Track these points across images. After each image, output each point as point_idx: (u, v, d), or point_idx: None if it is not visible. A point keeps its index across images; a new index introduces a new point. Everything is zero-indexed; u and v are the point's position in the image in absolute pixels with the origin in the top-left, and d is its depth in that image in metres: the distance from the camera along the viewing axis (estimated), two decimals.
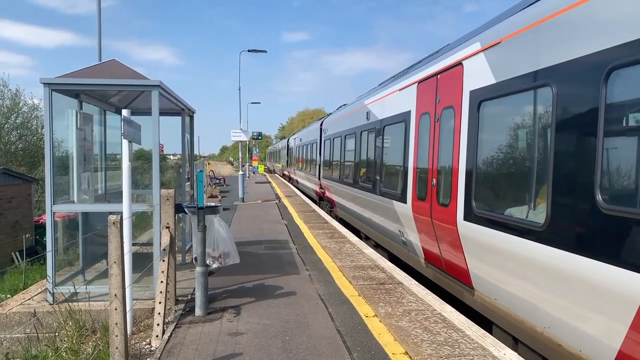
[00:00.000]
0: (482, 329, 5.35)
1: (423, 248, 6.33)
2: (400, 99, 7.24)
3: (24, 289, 8.71)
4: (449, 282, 5.61)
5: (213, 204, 6.16)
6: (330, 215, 14.72)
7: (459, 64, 5.00)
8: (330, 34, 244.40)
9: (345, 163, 11.53)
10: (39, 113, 27.04)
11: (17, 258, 14.22)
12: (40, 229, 15.81)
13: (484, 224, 4.53)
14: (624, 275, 2.69)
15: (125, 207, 5.50)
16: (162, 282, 5.63)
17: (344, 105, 12.36)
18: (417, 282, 7.27)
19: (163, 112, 7.32)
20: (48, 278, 6.44)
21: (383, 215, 8.15)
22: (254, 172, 54.75)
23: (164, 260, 5.84)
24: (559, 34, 3.41)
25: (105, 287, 4.61)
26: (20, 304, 6.50)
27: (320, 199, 17.19)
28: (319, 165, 16.14)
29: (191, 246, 8.13)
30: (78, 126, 7.29)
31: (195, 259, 5.98)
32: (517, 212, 4.07)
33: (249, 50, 24.11)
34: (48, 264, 6.44)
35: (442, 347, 4.80)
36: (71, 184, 7.41)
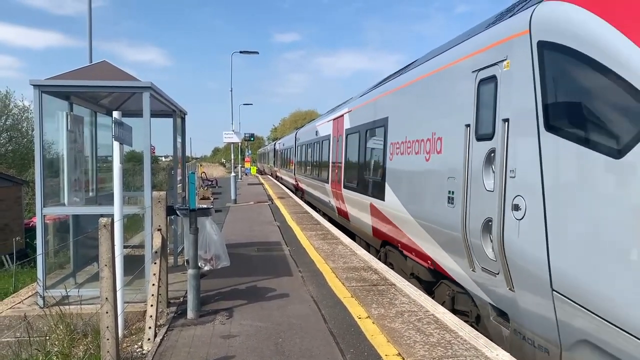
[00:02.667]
0: (474, 330, 5.37)
1: (335, 206, 12.94)
2: (326, 127, 14.22)
3: (14, 292, 8.63)
4: (344, 219, 11.94)
5: (205, 206, 6.14)
6: (302, 200, 20.32)
7: (342, 115, 11.52)
8: (321, 35, 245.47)
9: (307, 163, 18.45)
10: (29, 115, 26.72)
11: (7, 261, 14.06)
12: (30, 231, 15.63)
13: (349, 189, 10.47)
14: (365, 198, 8.86)
15: (117, 209, 5.46)
16: (153, 284, 5.61)
17: (313, 119, 19.14)
18: (409, 284, 7.28)
19: (154, 114, 7.29)
20: (38, 281, 6.38)
21: (322, 193, 14.80)
22: (246, 174, 54.63)
23: (155, 263, 5.80)
24: (356, 116, 9.73)
25: (97, 290, 4.58)
26: (11, 308, 6.44)
27: (296, 190, 23.53)
28: (295, 165, 22.50)
29: (183, 249, 7.90)
30: (68, 128, 7.23)
31: (187, 261, 5.95)
32: (355, 182, 9.92)
33: (240, 52, 24.04)
34: (38, 267, 6.38)
35: (435, 348, 4.81)
36: (62, 186, 7.36)
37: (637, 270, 2.80)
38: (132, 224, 10.22)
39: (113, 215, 5.32)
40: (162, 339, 5.22)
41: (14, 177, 16.65)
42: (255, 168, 56.86)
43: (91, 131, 8.35)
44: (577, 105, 3.48)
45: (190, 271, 5.87)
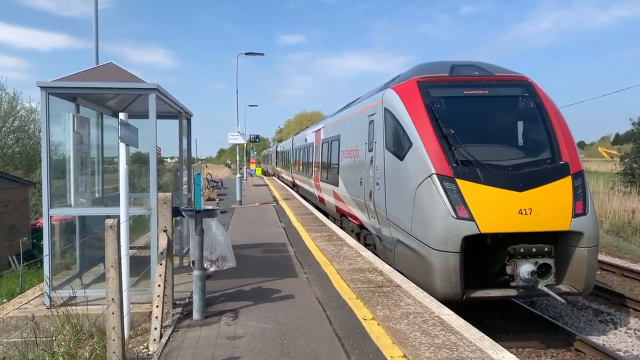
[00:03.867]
0: (480, 332, 5.38)
1: (317, 195, 17.20)
2: (311, 136, 19.65)
3: (21, 293, 8.63)
4: (321, 204, 16.37)
5: (210, 207, 6.16)
6: (298, 193, 24.80)
7: (320, 129, 16.74)
8: (327, 36, 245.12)
9: (300, 163, 23.73)
10: (36, 117, 27.03)
11: (14, 262, 14.17)
12: (37, 232, 15.75)
13: (323, 181, 14.99)
14: (330, 187, 14.07)
15: (123, 210, 5.46)
16: (159, 285, 5.60)
17: (317, 121, 24.33)
18: (415, 285, 7.22)
19: (160, 115, 7.30)
20: (45, 282, 6.37)
21: (309, 186, 19.79)
22: (251, 175, 54.62)
23: (161, 264, 5.79)
24: (326, 130, 15.46)
25: (103, 290, 4.60)
26: (17, 308, 6.44)
27: (293, 185, 28.25)
28: (291, 164, 28.67)
29: (188, 250, 7.72)
30: (75, 129, 7.25)
31: (193, 262, 5.94)
32: (326, 176, 14.72)
33: (246, 53, 24.04)
34: (45, 268, 6.36)
35: (441, 350, 4.81)
36: (68, 187, 7.34)
37: (407, 208, 7.72)
38: (138, 225, 10.25)
39: (119, 216, 5.32)
40: (167, 340, 5.21)
41: (21, 179, 16.78)
42: (260, 169, 56.91)
43: (97, 133, 8.33)
44: (393, 137, 8.48)
45: (195, 272, 5.87)
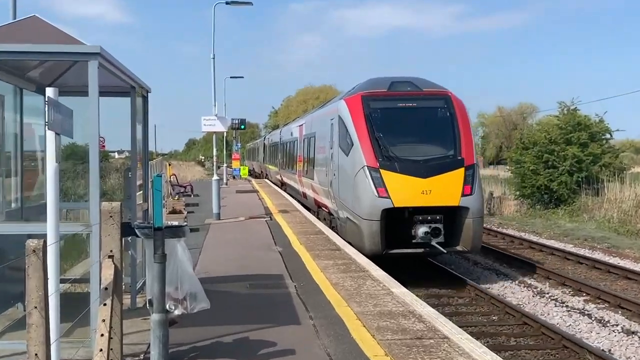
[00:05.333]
0: None
1: (301, 191, 25.44)
2: (296, 130, 28.59)
3: None
4: (304, 200, 24.67)
5: (176, 223, 6.19)
6: (282, 189, 33.89)
7: (302, 124, 26.28)
8: None
9: (287, 158, 31.75)
10: None
11: None
12: None
13: (305, 176, 23.72)
14: (310, 180, 22.89)
15: (51, 227, 5.46)
16: (102, 335, 5.61)
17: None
18: (469, 337, 7.36)
19: (104, 92, 7.30)
20: None
21: (294, 182, 27.89)
22: (234, 177, 54.63)
23: (105, 304, 5.82)
24: (306, 126, 25.10)
25: (22, 342, 4.62)
26: None
27: (282, 185, 35.50)
28: (279, 160, 37.04)
29: (144, 284, 7.91)
30: None
31: (150, 302, 6.01)
32: (307, 171, 23.29)
33: (227, 3, 23.98)
34: None
35: None
36: None
37: (350, 191, 15.22)
38: (73, 248, 10.28)
39: (45, 235, 5.31)
40: None
41: None
42: (246, 169, 56.89)
43: (15, 117, 8.27)
44: (343, 138, 16.10)
45: (154, 316, 5.92)
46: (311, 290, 9.52)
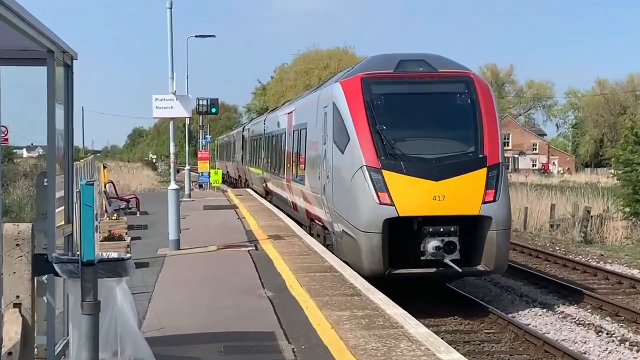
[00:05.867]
0: None
1: (290, 201, 30.20)
2: (283, 119, 33.30)
3: None
4: (295, 213, 28.70)
5: (115, 255, 6.24)
6: (269, 200, 37.67)
7: (291, 112, 30.69)
8: None
9: (273, 157, 35.89)
10: None
11: None
12: None
13: (295, 180, 27.86)
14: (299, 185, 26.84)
15: None
16: None
17: (288, 101, 37.28)
18: None
19: (6, 58, 7.32)
20: None
21: (282, 190, 32.43)
22: (200, 186, 54.26)
23: None
24: (293, 118, 30.15)
25: None
26: None
27: (266, 194, 40.19)
28: (263, 160, 40.90)
29: (67, 346, 7.87)
30: None
31: None
32: (297, 174, 27.51)
33: None
34: None
35: None
36: None
37: (346, 197, 18.46)
38: None
39: None
40: None
41: None
42: (219, 173, 55.44)
43: None
44: (338, 131, 19.31)
45: None
46: (317, 356, 9.60)
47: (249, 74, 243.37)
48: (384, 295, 13.51)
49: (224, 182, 57.90)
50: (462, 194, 16.65)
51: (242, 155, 55.03)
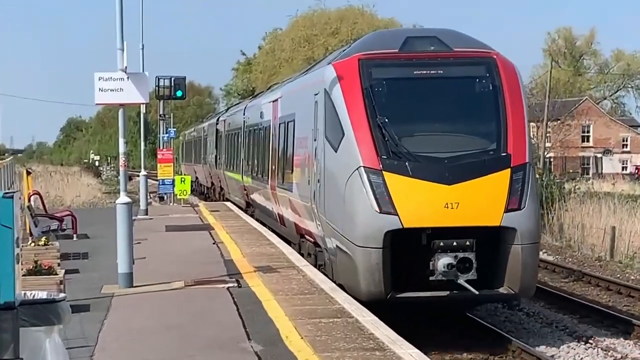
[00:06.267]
0: None
1: (276, 213, 34.33)
2: (267, 109, 37.76)
3: None
4: (283, 229, 31.97)
5: (43, 295, 6.29)
6: (257, 219, 38.77)
7: (277, 100, 34.13)
8: None
9: (254, 158, 42.22)
10: None
11: None
12: None
13: (281, 186, 31.58)
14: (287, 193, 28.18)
15: None
16: None
17: (274, 85, 42.18)
18: None
19: None
20: None
21: (265, 199, 37.16)
22: (161, 198, 54.76)
23: None
24: (279, 107, 34.29)
25: None
26: None
27: (247, 206, 44.61)
28: (241, 161, 46.08)
29: None
30: None
31: None
32: (284, 179, 31.07)
33: None
34: None
35: None
36: None
37: (340, 205, 20.87)
38: None
39: None
40: None
41: None
42: (188, 180, 55.81)
43: None
44: (331, 124, 21.94)
45: None
46: None
47: (229, 44, 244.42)
48: (416, 350, 13.48)
49: (192, 192, 58.00)
50: (481, 201, 18.36)
51: (216, 156, 55.72)
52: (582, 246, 41.12)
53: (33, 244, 22.28)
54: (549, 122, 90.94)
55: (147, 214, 37.27)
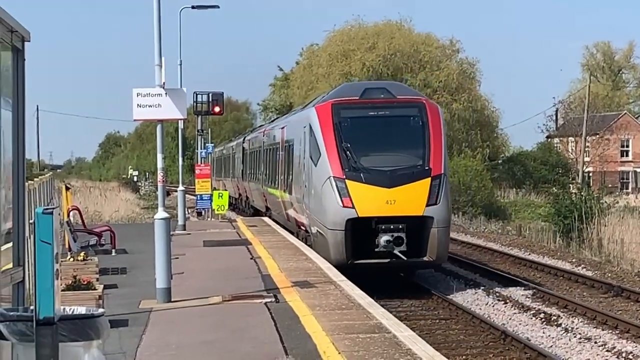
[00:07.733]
0: None
1: (285, 213, 53.54)
2: (278, 133, 54.17)
3: None
4: (287, 222, 49.56)
5: (82, 311, 6.33)
6: (273, 219, 48.27)
7: (284, 127, 50.51)
8: None
9: (272, 172, 54.68)
10: None
11: None
12: None
13: (287, 192, 48.50)
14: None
15: None
16: None
17: (279, 117, 60.16)
18: None
19: None
20: None
21: (275, 200, 53.77)
22: (199, 214, 54.74)
23: None
24: (285, 133, 49.08)
25: None
26: None
27: (266, 210, 53.62)
28: (261, 174, 57.22)
29: None
30: None
31: None
32: (293, 188, 45.96)
33: None
34: None
35: None
36: None
37: (318, 202, 35.76)
38: None
39: None
40: None
41: None
42: (226, 195, 55.83)
43: None
44: (313, 148, 36.49)
45: None
46: None
47: (267, 60, 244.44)
48: None
49: (234, 206, 58.03)
50: (410, 199, 27.91)
51: (242, 170, 65.96)
52: (621, 261, 41.48)
53: (72, 259, 22.34)
54: (587, 137, 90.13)
55: (185, 229, 37.39)
